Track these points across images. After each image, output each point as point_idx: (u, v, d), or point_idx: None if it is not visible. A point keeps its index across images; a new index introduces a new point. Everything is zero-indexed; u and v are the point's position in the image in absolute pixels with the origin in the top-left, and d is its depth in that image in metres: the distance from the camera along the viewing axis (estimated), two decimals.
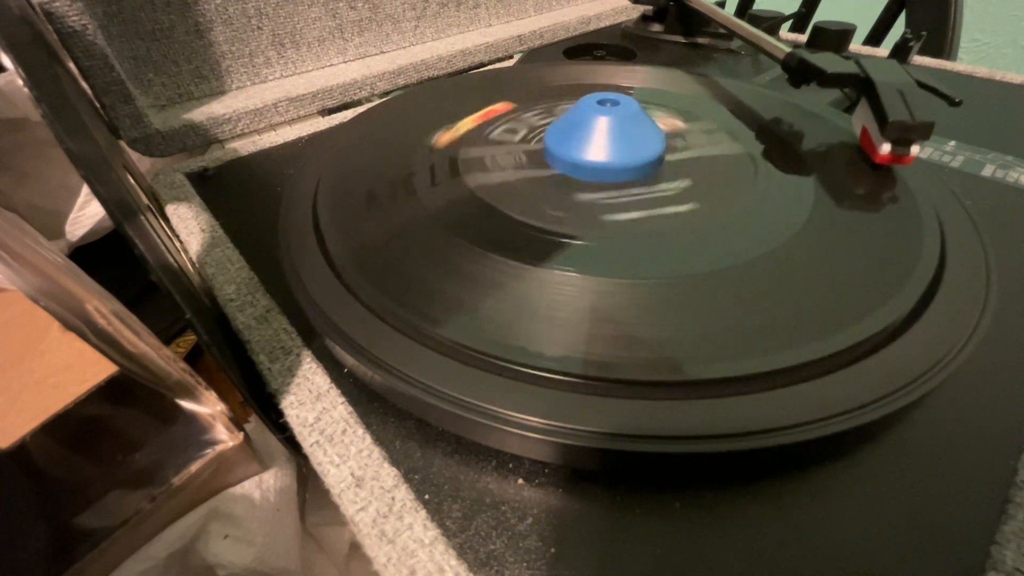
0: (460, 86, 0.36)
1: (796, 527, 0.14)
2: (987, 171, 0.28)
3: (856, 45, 0.44)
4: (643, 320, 0.17)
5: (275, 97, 0.36)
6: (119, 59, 0.30)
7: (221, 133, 0.34)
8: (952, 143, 0.31)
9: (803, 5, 0.56)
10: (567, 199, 0.23)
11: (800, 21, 0.57)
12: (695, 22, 0.47)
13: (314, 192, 0.25)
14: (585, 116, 0.25)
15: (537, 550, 0.14)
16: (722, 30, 0.46)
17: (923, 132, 0.23)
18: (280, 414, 0.18)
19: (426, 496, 0.15)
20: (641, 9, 0.50)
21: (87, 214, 0.36)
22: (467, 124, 0.26)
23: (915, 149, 0.24)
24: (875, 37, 0.53)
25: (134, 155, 0.32)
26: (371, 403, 0.18)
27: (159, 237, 0.21)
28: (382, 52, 0.43)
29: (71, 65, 0.28)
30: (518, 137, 0.28)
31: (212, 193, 0.29)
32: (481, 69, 0.47)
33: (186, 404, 0.23)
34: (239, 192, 0.30)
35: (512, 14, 0.51)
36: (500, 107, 0.25)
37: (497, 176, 0.25)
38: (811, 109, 0.31)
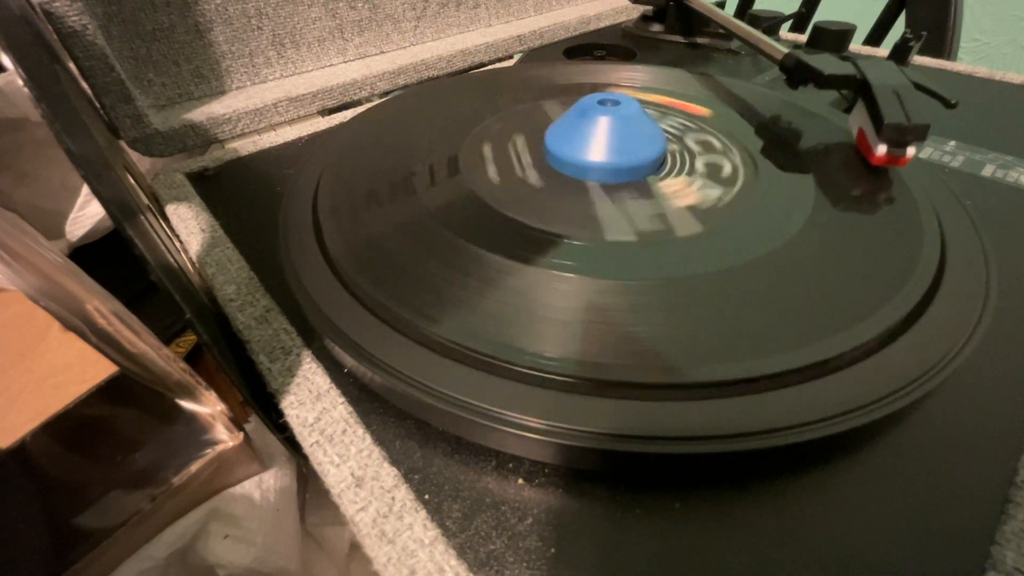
0: (460, 86, 0.36)
1: (796, 527, 0.14)
2: (987, 171, 0.28)
3: (856, 45, 0.44)
4: (642, 321, 0.17)
5: (275, 97, 0.36)
6: (119, 59, 0.30)
7: (221, 133, 0.34)
8: (952, 143, 0.31)
9: (803, 5, 0.56)
10: (567, 199, 0.23)
11: (800, 21, 0.57)
12: (695, 22, 0.47)
13: (314, 192, 0.25)
14: (585, 116, 0.25)
15: (537, 550, 0.14)
16: (722, 30, 0.46)
17: (919, 134, 0.23)
18: (280, 414, 0.18)
19: (426, 496, 0.15)
20: (641, 9, 0.50)
21: (87, 214, 0.36)
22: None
23: (911, 151, 0.24)
24: (875, 37, 0.53)
25: (134, 155, 0.32)
26: (371, 403, 0.18)
27: (159, 237, 0.21)
28: (382, 52, 0.43)
29: (71, 65, 0.28)
30: (518, 137, 0.28)
31: (212, 193, 0.29)
32: (481, 69, 0.47)
33: (186, 404, 0.23)
34: (239, 192, 0.30)
35: (512, 14, 0.51)
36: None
37: (497, 176, 0.25)
38: (811, 109, 0.31)
